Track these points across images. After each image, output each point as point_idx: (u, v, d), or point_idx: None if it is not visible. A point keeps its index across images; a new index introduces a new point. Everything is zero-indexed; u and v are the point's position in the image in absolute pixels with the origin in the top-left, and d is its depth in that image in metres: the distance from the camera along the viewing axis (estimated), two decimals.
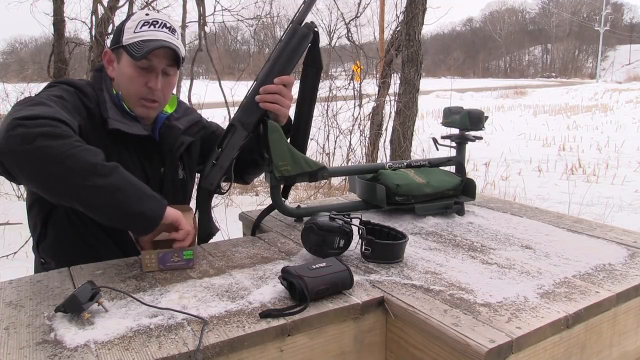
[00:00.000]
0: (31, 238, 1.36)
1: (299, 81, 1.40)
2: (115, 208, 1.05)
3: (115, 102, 1.29)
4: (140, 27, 1.25)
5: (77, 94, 1.23)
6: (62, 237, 1.27)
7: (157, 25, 1.27)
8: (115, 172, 1.05)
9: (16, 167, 1.01)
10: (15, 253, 3.57)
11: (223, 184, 1.41)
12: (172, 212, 1.12)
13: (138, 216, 1.06)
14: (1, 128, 1.01)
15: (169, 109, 1.41)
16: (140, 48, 1.24)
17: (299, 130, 1.41)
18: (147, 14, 1.29)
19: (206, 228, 1.43)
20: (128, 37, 1.25)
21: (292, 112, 1.41)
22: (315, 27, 1.35)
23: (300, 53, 1.34)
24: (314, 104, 1.43)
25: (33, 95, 1.19)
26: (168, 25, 1.29)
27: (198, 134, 1.48)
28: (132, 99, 1.29)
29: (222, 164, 1.36)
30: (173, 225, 1.13)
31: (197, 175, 1.48)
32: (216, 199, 4.92)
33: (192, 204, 1.44)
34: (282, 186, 1.48)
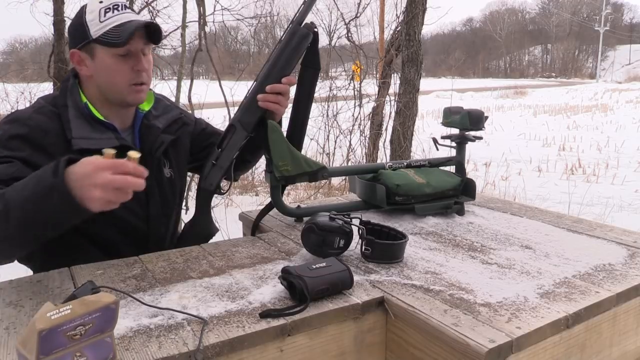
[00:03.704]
0: None
1: (297, 81, 1.40)
2: (41, 228, 0.97)
3: (85, 113, 1.25)
4: (105, 15, 1.23)
5: (17, 132, 1.18)
6: (50, 252, 1.22)
7: (119, 8, 1.25)
8: (9, 209, 0.95)
9: None
10: None
11: (222, 184, 1.41)
12: (77, 180, 0.91)
13: (60, 222, 0.97)
14: None
15: (145, 106, 1.38)
16: (118, 33, 1.21)
17: (294, 131, 1.41)
18: (100, 2, 1.24)
19: (206, 228, 1.42)
20: (97, 29, 1.22)
21: (288, 112, 1.41)
22: (315, 27, 1.35)
23: (300, 54, 1.34)
24: (310, 104, 1.43)
25: None
26: (126, 5, 1.27)
27: (179, 132, 1.45)
28: (121, 88, 1.27)
29: (221, 164, 1.36)
30: (102, 180, 0.90)
31: (191, 173, 1.47)
32: (216, 199, 4.92)
33: (190, 202, 1.44)
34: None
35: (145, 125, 1.36)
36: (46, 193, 0.92)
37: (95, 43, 1.23)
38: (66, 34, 5.28)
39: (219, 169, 1.36)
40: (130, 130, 1.35)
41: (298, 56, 1.34)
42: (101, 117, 1.27)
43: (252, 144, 1.38)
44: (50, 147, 1.19)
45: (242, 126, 1.34)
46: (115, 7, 1.24)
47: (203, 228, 1.41)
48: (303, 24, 1.34)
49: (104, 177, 0.90)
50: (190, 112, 4.61)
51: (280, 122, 1.40)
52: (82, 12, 1.25)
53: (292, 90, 1.39)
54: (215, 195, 1.42)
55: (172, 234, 1.47)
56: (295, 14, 1.34)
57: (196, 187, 1.45)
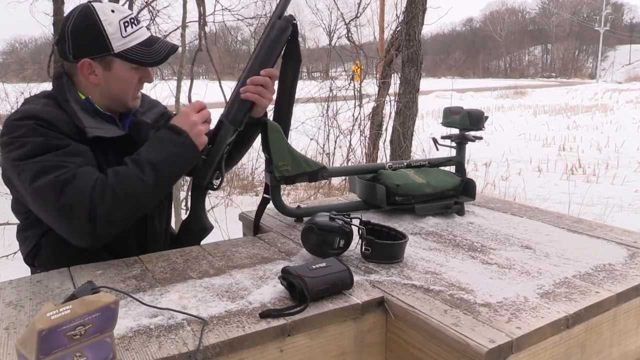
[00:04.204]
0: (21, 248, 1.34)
1: (279, 75, 1.39)
2: (175, 180, 1.29)
3: (86, 108, 1.26)
4: (126, 30, 1.25)
5: (43, 125, 1.18)
6: (58, 250, 1.24)
7: (135, 22, 1.28)
8: (154, 167, 1.18)
9: (117, 227, 1.18)
10: (15, 253, 3.56)
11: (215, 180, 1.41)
12: (184, 127, 1.23)
13: (189, 164, 1.26)
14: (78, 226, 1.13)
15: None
16: (149, 53, 1.27)
17: (279, 123, 1.41)
18: (112, 11, 1.25)
19: (201, 224, 1.43)
20: (120, 44, 1.24)
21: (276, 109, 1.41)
22: (294, 19, 1.35)
23: (280, 46, 1.34)
24: (293, 97, 1.43)
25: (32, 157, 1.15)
26: (138, 17, 1.31)
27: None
28: (128, 97, 1.31)
29: (212, 160, 1.37)
30: (198, 119, 1.25)
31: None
32: (216, 199, 4.93)
33: (182, 197, 1.44)
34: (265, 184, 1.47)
35: (134, 121, 1.37)
36: (181, 149, 1.21)
37: (116, 57, 1.25)
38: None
39: (209, 164, 1.37)
40: (121, 124, 1.37)
41: (278, 49, 1.34)
42: (102, 111, 1.30)
43: (238, 140, 1.39)
44: (71, 133, 1.21)
45: (230, 121, 1.35)
46: (132, 21, 1.27)
47: (198, 224, 1.42)
48: (282, 16, 1.34)
49: (197, 115, 1.25)
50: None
51: (265, 115, 1.41)
52: (94, 19, 1.23)
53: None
54: (209, 191, 1.42)
55: (165, 231, 1.47)
56: (276, 7, 1.35)
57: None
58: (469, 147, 1.76)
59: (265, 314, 0.91)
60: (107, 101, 1.30)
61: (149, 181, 1.17)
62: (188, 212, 1.45)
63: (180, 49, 4.44)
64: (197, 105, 1.28)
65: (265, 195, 1.47)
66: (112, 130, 1.28)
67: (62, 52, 1.27)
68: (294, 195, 5.69)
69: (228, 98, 1.42)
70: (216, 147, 1.36)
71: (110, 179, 1.16)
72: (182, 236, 1.44)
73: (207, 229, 1.44)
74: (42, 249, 1.27)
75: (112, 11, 1.25)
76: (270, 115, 1.42)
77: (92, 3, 1.25)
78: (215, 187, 1.40)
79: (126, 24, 1.25)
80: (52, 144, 1.16)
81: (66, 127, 1.20)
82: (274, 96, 1.39)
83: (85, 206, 1.12)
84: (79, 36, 1.24)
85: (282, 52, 1.37)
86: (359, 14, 6.33)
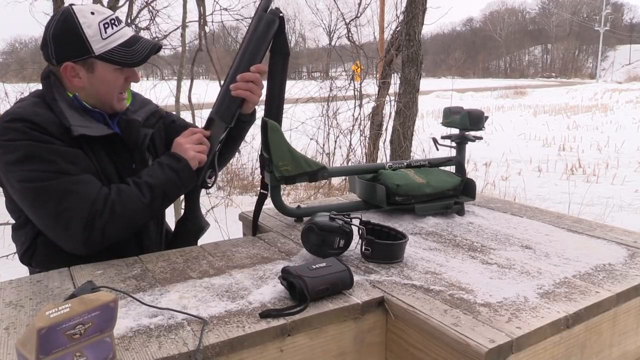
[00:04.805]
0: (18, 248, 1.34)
1: (267, 69, 1.38)
2: (172, 200, 1.32)
3: (74, 105, 1.26)
4: (106, 32, 1.24)
5: (34, 129, 1.18)
6: (54, 250, 1.23)
7: (116, 23, 1.27)
8: (152, 189, 1.24)
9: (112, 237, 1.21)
10: (15, 253, 3.56)
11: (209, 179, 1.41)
12: (181, 150, 1.30)
13: (184, 187, 1.31)
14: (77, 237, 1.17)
15: (127, 101, 1.40)
16: (131, 54, 1.25)
17: (270, 119, 1.41)
18: (92, 13, 1.24)
19: (197, 223, 1.43)
20: (101, 46, 1.23)
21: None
22: (281, 12, 1.34)
23: (267, 40, 1.34)
24: (283, 91, 1.42)
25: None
26: (119, 17, 1.30)
27: (157, 124, 1.47)
28: (113, 99, 1.30)
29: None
30: (187, 143, 1.31)
31: None
32: (216, 199, 4.93)
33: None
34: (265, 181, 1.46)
35: (124, 120, 1.36)
36: (178, 174, 1.28)
37: (97, 59, 1.24)
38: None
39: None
40: (110, 121, 1.36)
41: (266, 43, 1.34)
42: (91, 108, 1.29)
43: (228, 137, 1.39)
44: (59, 135, 1.21)
45: (221, 118, 1.35)
46: (113, 22, 1.26)
47: (194, 223, 1.42)
48: (269, 10, 1.33)
49: (186, 139, 1.32)
50: (190, 111, 4.61)
51: (254, 111, 1.40)
52: (73, 22, 1.22)
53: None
54: (204, 190, 1.42)
55: (160, 229, 1.47)
56: (261, 0, 1.34)
57: None
58: (469, 147, 1.76)
59: (265, 314, 0.91)
60: (93, 101, 1.30)
61: (146, 202, 1.23)
62: (183, 210, 1.46)
63: (180, 49, 4.44)
64: (188, 131, 1.36)
65: (262, 191, 1.47)
66: (100, 128, 1.27)
67: (47, 56, 1.27)
68: (294, 195, 5.69)
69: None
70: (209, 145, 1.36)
71: (112, 194, 1.21)
72: (179, 234, 1.44)
73: (203, 226, 1.44)
74: (39, 249, 1.27)
75: (92, 13, 1.24)
76: (260, 111, 1.42)
77: (73, 6, 1.24)
78: (209, 185, 1.40)
79: (106, 25, 1.24)
80: (44, 147, 1.16)
81: (55, 128, 1.20)
82: (264, 91, 1.39)
83: (85, 215, 1.16)
84: (60, 40, 1.24)
85: (270, 46, 1.35)
86: (359, 14, 6.33)
